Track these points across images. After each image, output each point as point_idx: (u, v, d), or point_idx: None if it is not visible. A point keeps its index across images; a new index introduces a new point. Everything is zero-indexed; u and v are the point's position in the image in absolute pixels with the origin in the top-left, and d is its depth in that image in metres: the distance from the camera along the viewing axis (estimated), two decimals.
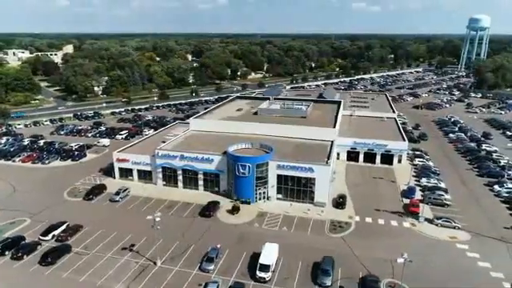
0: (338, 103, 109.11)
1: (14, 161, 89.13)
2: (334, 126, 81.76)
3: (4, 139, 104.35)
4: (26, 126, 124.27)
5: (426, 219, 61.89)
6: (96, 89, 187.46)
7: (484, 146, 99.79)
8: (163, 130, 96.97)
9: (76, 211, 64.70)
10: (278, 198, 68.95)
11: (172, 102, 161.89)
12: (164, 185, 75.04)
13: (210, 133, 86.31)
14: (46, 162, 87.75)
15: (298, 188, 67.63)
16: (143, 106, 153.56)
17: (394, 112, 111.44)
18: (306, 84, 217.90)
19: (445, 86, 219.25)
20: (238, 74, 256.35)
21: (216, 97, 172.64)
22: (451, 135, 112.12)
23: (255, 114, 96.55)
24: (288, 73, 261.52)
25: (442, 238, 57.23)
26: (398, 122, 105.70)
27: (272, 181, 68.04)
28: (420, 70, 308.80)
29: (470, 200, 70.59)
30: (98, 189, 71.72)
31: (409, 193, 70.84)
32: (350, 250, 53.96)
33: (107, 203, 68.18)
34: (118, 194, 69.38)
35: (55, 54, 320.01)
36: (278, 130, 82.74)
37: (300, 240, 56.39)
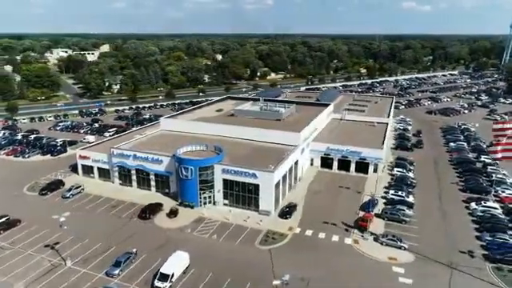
0: (327, 106, 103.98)
1: None
2: (300, 131, 77.22)
3: (1, 133, 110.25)
4: (31, 120, 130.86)
5: (374, 236, 56.52)
6: (114, 87, 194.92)
7: (483, 158, 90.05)
8: (141, 129, 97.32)
9: (24, 205, 66.20)
10: (224, 204, 66.25)
11: (177, 101, 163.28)
12: (120, 184, 75.04)
13: (179, 133, 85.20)
14: (26, 156, 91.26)
15: (243, 194, 64.55)
16: (147, 105, 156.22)
17: (388, 117, 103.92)
18: (322, 86, 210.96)
19: (474, 90, 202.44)
20: (258, 74, 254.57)
21: (223, 96, 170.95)
22: (452, 144, 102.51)
23: (231, 115, 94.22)
24: (310, 74, 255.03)
25: (381, 259, 51.69)
26: (389, 128, 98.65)
27: (218, 185, 65.55)
28: (455, 72, 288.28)
29: (436, 217, 63.50)
30: (55, 184, 73.06)
31: (367, 206, 65.18)
32: (271, 263, 50.30)
33: (58, 199, 69.22)
34: (70, 190, 70.32)
35: (92, 53, 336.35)
36: (243, 132, 79.83)
37: (223, 250, 53.48)
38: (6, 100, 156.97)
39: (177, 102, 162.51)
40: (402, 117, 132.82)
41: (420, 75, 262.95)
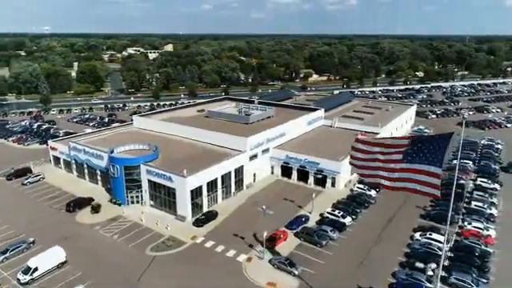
0: (314, 111, 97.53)
1: (7, 139, 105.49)
2: (248, 136, 73.30)
3: (24, 122, 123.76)
4: (60, 112, 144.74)
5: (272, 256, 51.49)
6: (155, 84, 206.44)
7: (479, 181, 76.30)
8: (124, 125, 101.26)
9: None
10: (150, 205, 66.04)
11: (198, 100, 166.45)
12: (78, 176, 79.17)
13: (147, 131, 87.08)
14: (26, 144, 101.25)
15: (164, 197, 63.60)
16: (168, 102, 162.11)
17: (381, 127, 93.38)
18: (357, 90, 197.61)
19: None
20: (301, 75, 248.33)
21: (222, 97, 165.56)
22: (454, 161, 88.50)
23: (207, 116, 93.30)
24: (358, 76, 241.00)
25: (259, 282, 46.85)
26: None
27: (145, 185, 65.47)
28: None
29: (364, 244, 55.37)
30: (22, 171, 79.83)
31: (293, 223, 59.65)
32: (145, 270, 48.78)
33: (17, 185, 75.50)
34: (28, 178, 76.24)
35: (154, 52, 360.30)
36: (197, 134, 78.60)
37: (111, 251, 53.39)
38: (53, 93, 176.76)
39: (197, 101, 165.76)
40: (419, 127, 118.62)
41: (485, 81, 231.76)
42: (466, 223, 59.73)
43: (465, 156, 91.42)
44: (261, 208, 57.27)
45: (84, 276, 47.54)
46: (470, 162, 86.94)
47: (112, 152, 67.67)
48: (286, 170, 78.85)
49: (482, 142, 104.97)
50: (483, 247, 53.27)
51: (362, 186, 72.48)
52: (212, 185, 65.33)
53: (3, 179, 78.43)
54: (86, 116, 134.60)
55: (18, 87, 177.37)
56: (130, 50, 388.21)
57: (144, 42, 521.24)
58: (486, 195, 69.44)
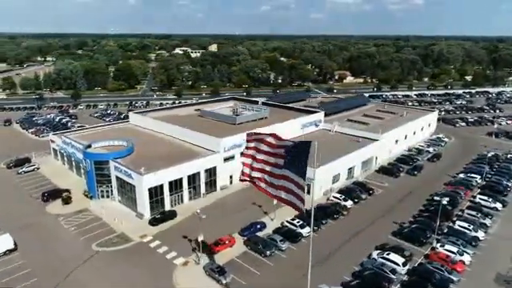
0: (311, 113, 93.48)
1: (27, 131, 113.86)
2: (223, 137, 71.65)
3: (49, 115, 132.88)
4: (87, 107, 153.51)
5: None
6: (182, 82, 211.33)
7: (479, 198, 67.71)
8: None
9: None
10: (119, 201, 67.14)
11: (205, 100, 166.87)
12: (68, 168, 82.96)
13: (140, 128, 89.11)
14: (40, 135, 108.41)
15: (129, 194, 64.23)
16: (189, 101, 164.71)
17: (382, 134, 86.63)
18: (389, 93, 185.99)
19: None
20: (336, 77, 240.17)
21: (228, 96, 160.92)
22: (460, 175, 79.73)
23: (201, 116, 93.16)
24: (397, 79, 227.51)
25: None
26: (376, 146, 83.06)
27: (114, 181, 66.70)
28: None
29: (315, 257, 51.23)
30: (21, 161, 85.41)
31: (246, 229, 57.27)
32: (81, 263, 49.54)
33: (13, 174, 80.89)
34: (23, 167, 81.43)
35: (197, 52, 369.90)
36: (179, 133, 78.67)
37: (62, 243, 55.05)
38: (89, 89, 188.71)
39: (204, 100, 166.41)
40: (438, 136, 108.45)
41: None
42: (438, 245, 53.18)
43: (476, 170, 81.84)
44: (196, 212, 55.43)
45: (23, 265, 49.34)
46: (478, 177, 77.51)
47: (89, 147, 69.94)
48: None
49: (507, 156, 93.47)
50: (446, 274, 46.92)
51: (338, 196, 67.70)
52: (176, 184, 64.83)
53: (4, 167, 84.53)
54: (108, 112, 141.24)
55: (59, 83, 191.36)
56: (178, 50, 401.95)
57: (194, 42, 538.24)
58: (479, 215, 61.32)
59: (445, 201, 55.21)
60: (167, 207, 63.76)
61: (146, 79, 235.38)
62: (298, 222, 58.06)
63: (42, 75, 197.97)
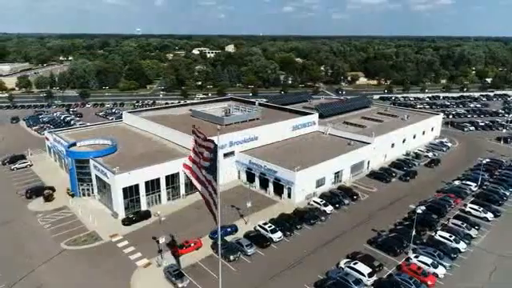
0: (304, 115, 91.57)
1: (31, 128, 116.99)
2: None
3: (54, 113, 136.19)
4: (94, 105, 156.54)
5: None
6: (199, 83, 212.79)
7: (469, 207, 63.99)
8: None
9: None
10: (99, 199, 67.52)
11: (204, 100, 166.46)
12: (59, 166, 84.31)
13: (132, 128, 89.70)
14: (42, 133, 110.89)
15: (107, 192, 64.37)
16: (195, 101, 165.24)
17: (375, 137, 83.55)
18: (400, 96, 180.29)
19: None
20: (349, 78, 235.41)
21: (226, 97, 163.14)
22: (456, 182, 75.90)
23: (193, 116, 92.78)
24: (412, 81, 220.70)
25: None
26: (368, 150, 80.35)
27: (94, 179, 67.15)
28: None
29: (282, 263, 49.74)
30: (16, 158, 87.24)
31: (214, 232, 56.09)
32: (45, 262, 49.83)
33: (6, 170, 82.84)
34: (15, 164, 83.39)
35: (212, 52, 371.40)
36: (165, 132, 78.62)
37: (32, 239, 55.57)
38: (101, 88, 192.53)
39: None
40: (441, 141, 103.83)
41: None
42: (413, 256, 50.44)
43: (473, 177, 77.64)
44: (156, 214, 54.72)
45: None
46: (473, 184, 73.47)
47: (73, 145, 70.83)
48: (250, 176, 74.84)
49: (511, 163, 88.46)
50: (413, 287, 44.30)
51: (319, 200, 65.59)
52: (153, 184, 64.56)
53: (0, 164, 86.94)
54: (113, 111, 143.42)
55: (72, 82, 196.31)
56: (195, 51, 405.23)
57: (213, 42, 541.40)
58: (464, 225, 57.90)
59: (419, 209, 52.06)
60: (143, 207, 63.59)
61: (159, 79, 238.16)
62: (270, 227, 56.47)
63: (58, 74, 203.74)
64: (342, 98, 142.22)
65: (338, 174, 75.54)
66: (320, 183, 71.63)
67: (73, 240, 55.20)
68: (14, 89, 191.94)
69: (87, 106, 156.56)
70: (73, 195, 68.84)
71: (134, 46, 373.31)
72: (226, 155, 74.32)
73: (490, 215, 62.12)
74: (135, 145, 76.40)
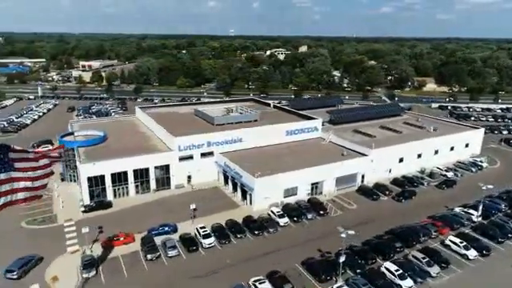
0: (307, 120, 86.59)
1: (78, 117, 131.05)
2: (177, 136, 71.34)
3: (106, 105, 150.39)
4: (144, 100, 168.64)
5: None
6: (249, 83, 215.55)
7: (449, 240, 53.56)
8: None
9: None
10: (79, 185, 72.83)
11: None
12: None
13: (140, 122, 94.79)
14: None
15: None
16: (211, 100, 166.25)
17: (373, 149, 74.92)
18: (464, 105, 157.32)
19: None
20: (415, 83, 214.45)
21: (248, 97, 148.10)
22: (456, 209, 64.16)
23: (196, 115, 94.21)
24: (495, 90, 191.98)
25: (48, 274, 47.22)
26: (363, 163, 73.14)
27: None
28: None
29: (202, 268, 47.95)
30: (43, 142, 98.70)
31: (154, 229, 56.59)
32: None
33: None
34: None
35: (281, 53, 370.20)
36: (158, 131, 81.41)
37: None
38: (161, 85, 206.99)
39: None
40: (475, 159, 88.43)
41: None
42: (336, 285, 44.30)
43: (489, 206, 64.74)
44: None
45: None
46: (475, 214, 61.30)
47: (69, 134, 77.80)
48: (226, 178, 73.42)
49: None
50: None
51: (275, 211, 61.36)
52: (120, 177, 67.37)
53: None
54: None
55: (136, 78, 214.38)
56: (268, 52, 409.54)
57: (293, 43, 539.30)
58: (425, 260, 48.76)
59: (345, 235, 45.36)
60: (109, 198, 66.80)
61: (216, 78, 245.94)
62: (205, 231, 54.81)
63: (127, 71, 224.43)
64: (371, 103, 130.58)
65: (316, 185, 69.77)
66: (291, 193, 67.02)
67: (33, 220, 60.59)
68: (90, 82, 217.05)
69: (138, 100, 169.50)
70: (62, 179, 75.47)
71: (215, 46, 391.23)
72: (203, 155, 74.19)
73: (472, 253, 51.35)
74: (127, 139, 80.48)
